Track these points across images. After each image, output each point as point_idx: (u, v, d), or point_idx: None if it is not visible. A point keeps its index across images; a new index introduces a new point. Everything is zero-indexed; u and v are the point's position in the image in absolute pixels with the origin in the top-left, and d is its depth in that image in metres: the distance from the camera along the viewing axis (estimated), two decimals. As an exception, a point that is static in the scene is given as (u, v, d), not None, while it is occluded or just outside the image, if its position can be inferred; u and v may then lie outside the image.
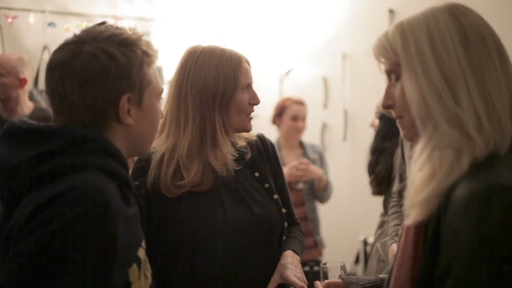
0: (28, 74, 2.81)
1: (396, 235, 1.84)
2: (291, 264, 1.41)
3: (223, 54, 1.39)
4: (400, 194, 2.02)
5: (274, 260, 1.43)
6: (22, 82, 2.76)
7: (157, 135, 1.33)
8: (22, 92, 2.79)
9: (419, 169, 0.86)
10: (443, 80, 0.86)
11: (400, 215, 1.95)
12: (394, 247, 1.74)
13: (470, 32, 0.88)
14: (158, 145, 1.41)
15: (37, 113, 2.77)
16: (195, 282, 1.34)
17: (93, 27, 1.02)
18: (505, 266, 0.73)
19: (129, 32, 1.02)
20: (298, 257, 1.46)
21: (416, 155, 0.88)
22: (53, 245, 0.83)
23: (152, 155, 1.39)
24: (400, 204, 2.01)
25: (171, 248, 1.36)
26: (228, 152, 1.39)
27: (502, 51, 0.89)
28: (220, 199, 1.39)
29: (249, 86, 1.43)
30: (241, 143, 1.45)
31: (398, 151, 2.00)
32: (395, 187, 2.07)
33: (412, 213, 0.84)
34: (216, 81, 1.37)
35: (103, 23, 1.04)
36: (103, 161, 0.95)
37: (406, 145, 1.86)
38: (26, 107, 2.82)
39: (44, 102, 3.38)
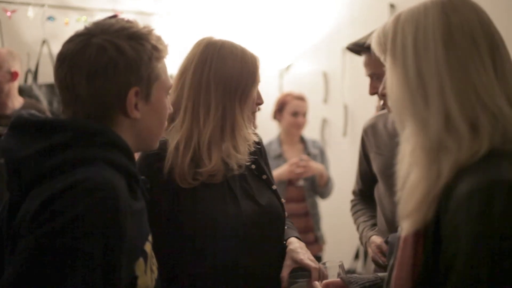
0: (18, 68, 2.82)
1: (372, 227, 1.84)
2: (300, 248, 1.43)
3: (245, 50, 1.41)
4: (362, 192, 2.02)
5: (281, 249, 1.45)
6: (13, 75, 2.77)
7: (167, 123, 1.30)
8: (13, 86, 2.79)
9: (407, 170, 0.85)
10: (418, 78, 0.85)
11: (365, 212, 1.96)
12: (374, 238, 1.73)
13: (457, 30, 0.85)
14: (172, 133, 1.38)
15: (27, 107, 2.77)
16: (210, 274, 1.34)
17: (104, 20, 1.02)
18: (506, 262, 0.73)
19: (140, 26, 1.02)
20: (303, 243, 1.49)
21: (401, 155, 0.87)
22: (61, 239, 0.83)
23: (167, 143, 1.36)
24: (361, 202, 2.02)
25: (183, 240, 1.35)
26: (245, 144, 1.40)
27: (496, 50, 0.86)
28: (232, 192, 1.39)
29: (257, 86, 1.46)
30: (255, 138, 1.46)
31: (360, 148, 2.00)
32: (354, 187, 2.07)
33: (405, 225, 0.84)
34: (240, 74, 1.38)
35: (114, 16, 1.04)
36: (111, 155, 0.94)
37: (370, 143, 1.86)
38: (17, 101, 2.83)
39: (43, 97, 3.36)
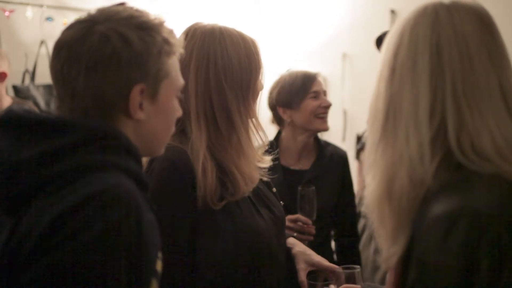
0: (6, 68, 2.81)
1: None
2: (309, 250, 1.37)
3: (243, 36, 1.25)
4: None
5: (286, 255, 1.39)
6: (1, 76, 2.76)
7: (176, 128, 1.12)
8: (1, 87, 2.78)
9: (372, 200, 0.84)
10: (376, 93, 0.85)
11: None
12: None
13: (402, 50, 0.81)
14: (195, 142, 1.18)
15: None
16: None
17: (110, 6, 0.89)
18: None
19: (151, 16, 0.89)
20: (302, 244, 1.43)
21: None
22: (84, 261, 0.71)
23: (187, 154, 1.16)
24: None
25: (220, 261, 1.19)
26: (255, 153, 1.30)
27: (441, 72, 0.78)
28: (254, 205, 1.27)
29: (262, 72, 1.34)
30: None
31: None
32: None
33: (382, 258, 0.83)
34: (249, 67, 1.24)
35: (122, 3, 0.91)
36: (124, 161, 0.83)
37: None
38: (5, 101, 2.83)
39: (41, 98, 3.35)
